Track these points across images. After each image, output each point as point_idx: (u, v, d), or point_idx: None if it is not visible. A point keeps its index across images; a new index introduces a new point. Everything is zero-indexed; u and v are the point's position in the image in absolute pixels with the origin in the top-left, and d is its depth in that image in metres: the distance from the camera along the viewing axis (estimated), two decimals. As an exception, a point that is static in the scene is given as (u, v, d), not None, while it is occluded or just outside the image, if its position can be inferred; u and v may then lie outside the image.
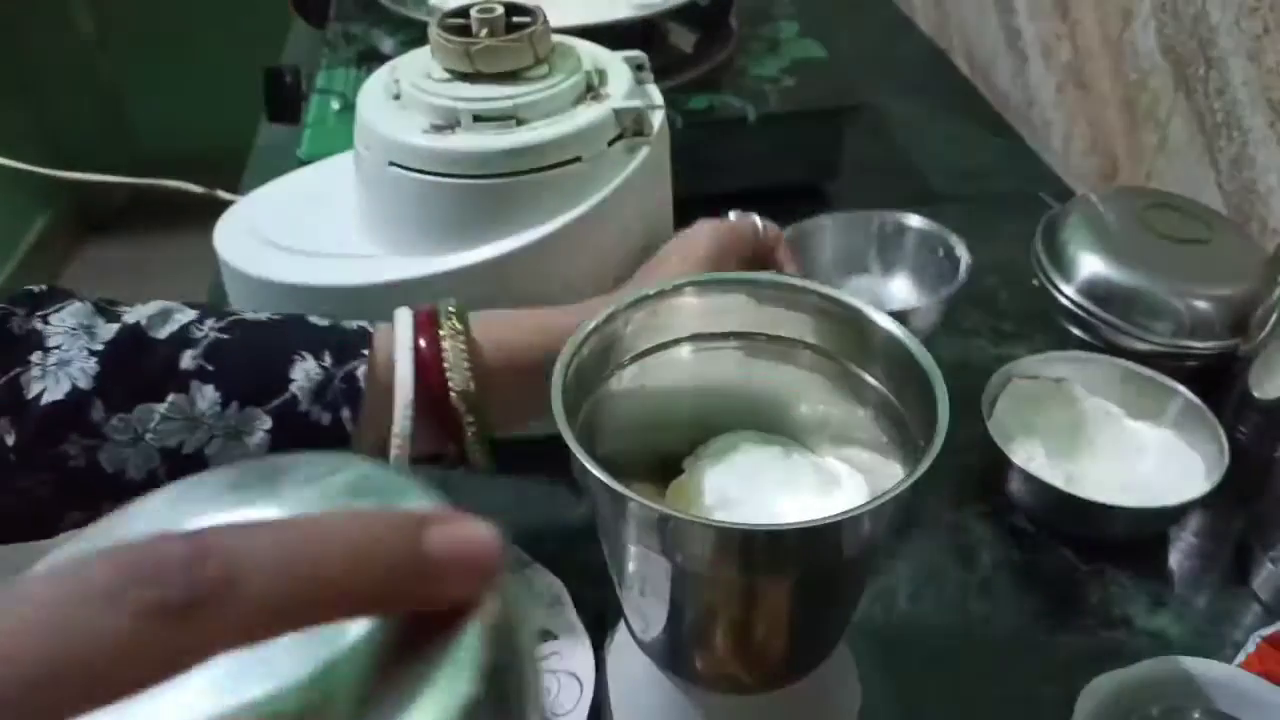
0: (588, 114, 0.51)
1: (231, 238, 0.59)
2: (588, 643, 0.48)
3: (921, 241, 0.68)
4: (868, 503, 0.34)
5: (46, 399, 0.40)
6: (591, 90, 0.53)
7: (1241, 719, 0.43)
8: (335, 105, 0.78)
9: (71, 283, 0.53)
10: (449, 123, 0.51)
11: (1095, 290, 0.62)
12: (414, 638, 0.17)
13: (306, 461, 0.20)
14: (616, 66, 0.55)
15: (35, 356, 0.40)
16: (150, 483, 0.41)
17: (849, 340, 0.42)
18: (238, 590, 0.15)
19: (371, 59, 0.84)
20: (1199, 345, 0.60)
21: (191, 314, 0.43)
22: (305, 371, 0.42)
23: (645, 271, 0.51)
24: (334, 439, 0.42)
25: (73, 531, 0.39)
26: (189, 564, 0.15)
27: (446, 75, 0.52)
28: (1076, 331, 0.64)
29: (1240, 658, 0.47)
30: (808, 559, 0.35)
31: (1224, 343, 0.60)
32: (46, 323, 0.41)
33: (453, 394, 0.43)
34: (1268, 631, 0.46)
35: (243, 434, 0.41)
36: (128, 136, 2.20)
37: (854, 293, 0.42)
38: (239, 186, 0.79)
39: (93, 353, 0.41)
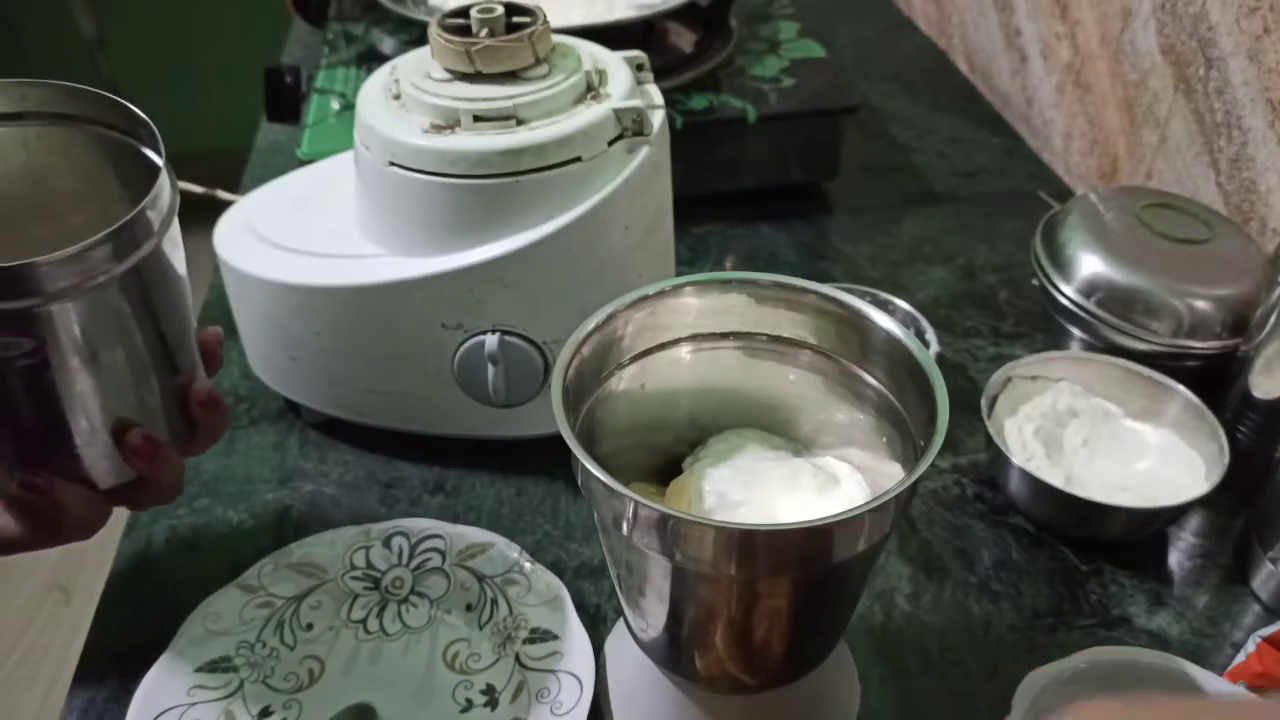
0: (588, 114, 0.51)
1: (231, 238, 0.59)
2: (588, 643, 0.48)
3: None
4: (868, 503, 0.34)
5: None
6: (591, 90, 0.53)
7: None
8: (335, 105, 0.78)
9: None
10: (449, 123, 0.51)
11: (1095, 290, 0.62)
12: None
13: None
14: (616, 66, 0.55)
15: None
16: None
17: (849, 340, 0.42)
18: None
19: (371, 59, 0.84)
20: (1199, 345, 0.60)
21: None
22: None
23: None
24: None
25: None
26: None
27: (446, 75, 0.52)
28: (1076, 331, 0.64)
29: (1240, 658, 0.47)
30: (808, 559, 0.35)
31: (1224, 343, 0.60)
32: None
33: None
34: (1268, 631, 0.46)
35: None
36: (128, 136, 2.20)
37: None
38: (239, 186, 0.79)
39: None
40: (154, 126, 0.40)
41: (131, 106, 0.41)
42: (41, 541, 0.41)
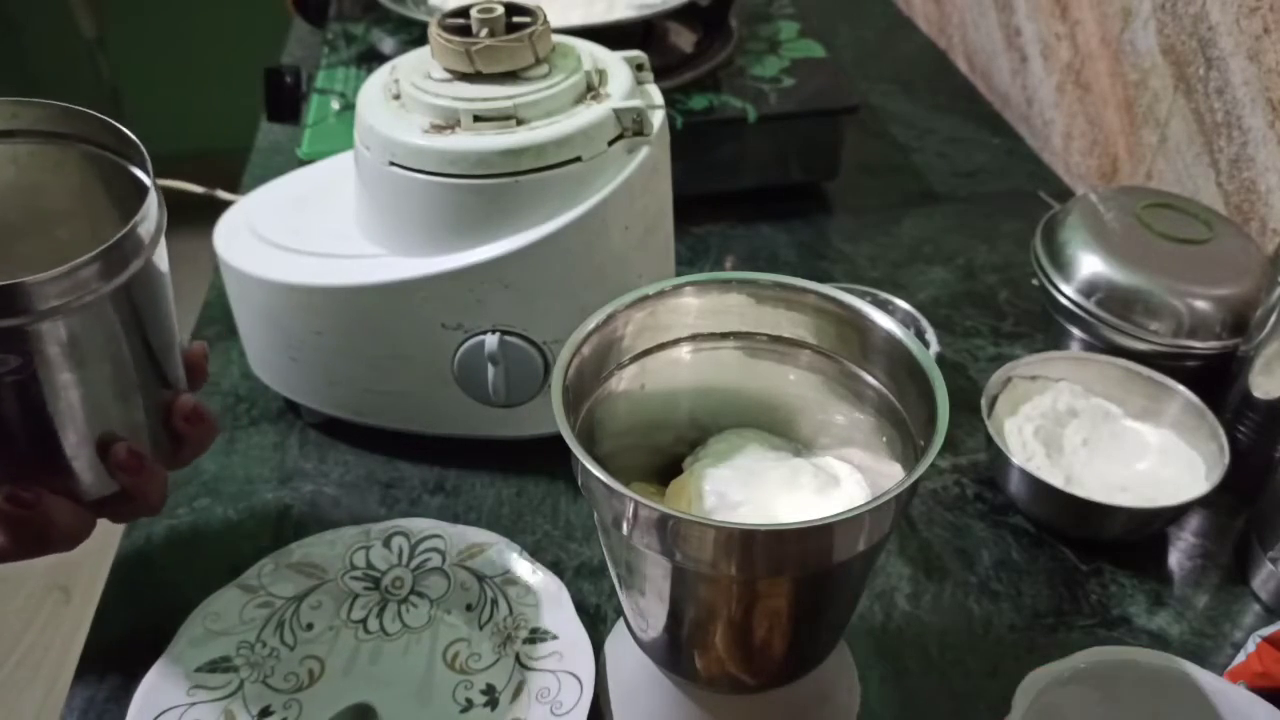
0: (588, 114, 0.51)
1: (231, 238, 0.59)
2: (588, 643, 0.48)
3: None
4: (868, 503, 0.34)
5: None
6: (591, 90, 0.53)
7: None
8: (335, 105, 0.78)
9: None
10: (449, 123, 0.51)
11: (1095, 290, 0.62)
12: None
13: None
14: (616, 66, 0.55)
15: None
16: None
17: (849, 340, 0.42)
18: None
19: (371, 59, 0.84)
20: (1199, 345, 0.60)
21: None
22: None
23: None
24: None
25: None
26: None
27: (446, 75, 0.52)
28: (1076, 331, 0.64)
29: (1240, 658, 0.47)
30: (808, 559, 0.35)
31: (1224, 343, 0.60)
32: None
33: None
34: (1268, 631, 0.46)
35: None
36: (127, 136, 2.19)
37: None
38: (239, 186, 0.79)
39: None
40: (143, 149, 0.41)
41: (122, 128, 0.41)
42: (26, 553, 0.41)
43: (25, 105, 0.42)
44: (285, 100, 0.81)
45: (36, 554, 0.42)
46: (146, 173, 0.41)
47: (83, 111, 0.42)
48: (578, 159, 0.51)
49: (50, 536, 0.41)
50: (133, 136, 0.41)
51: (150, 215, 0.39)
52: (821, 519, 0.33)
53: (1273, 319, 0.54)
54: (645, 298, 0.42)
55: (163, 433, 0.44)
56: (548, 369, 0.55)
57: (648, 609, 0.40)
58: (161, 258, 0.41)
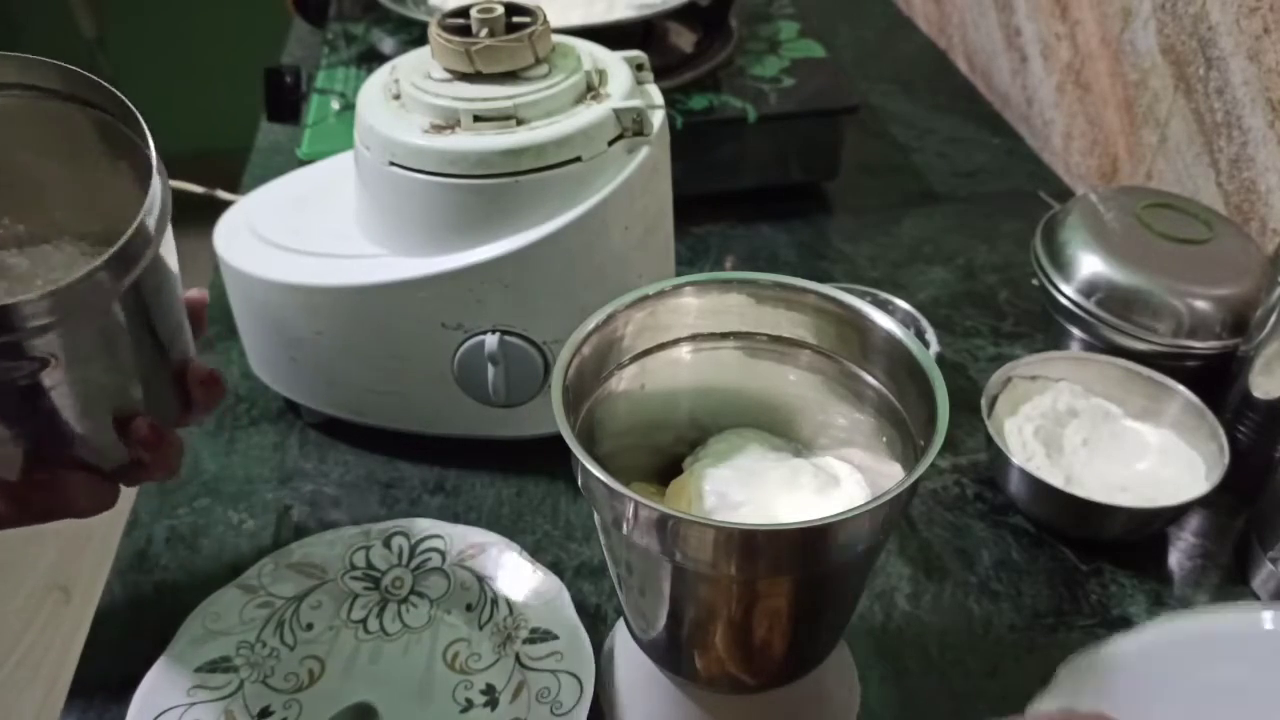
0: (588, 114, 0.51)
1: (231, 237, 0.59)
2: (588, 643, 0.48)
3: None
4: (868, 503, 0.34)
5: None
6: (591, 90, 0.53)
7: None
8: (335, 105, 0.78)
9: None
10: (449, 123, 0.51)
11: (1095, 290, 0.62)
12: None
13: None
14: (616, 66, 0.55)
15: None
16: None
17: (849, 340, 0.42)
18: None
19: (371, 59, 0.84)
20: (1199, 345, 0.60)
21: None
22: None
23: None
24: None
25: None
26: None
27: (446, 75, 0.52)
28: (1076, 331, 0.64)
29: (1240, 658, 0.47)
30: (808, 559, 0.35)
31: (1224, 343, 0.60)
32: None
33: None
34: (1268, 631, 0.46)
35: None
36: (127, 136, 2.19)
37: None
38: (239, 186, 0.79)
39: None
40: (138, 113, 0.39)
41: (117, 92, 0.40)
42: (38, 520, 0.43)
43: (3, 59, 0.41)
44: (285, 100, 0.81)
45: (53, 519, 0.43)
46: (145, 143, 0.39)
47: (72, 70, 0.40)
48: (578, 159, 0.51)
49: (70, 511, 0.42)
50: (123, 98, 0.39)
51: (155, 206, 0.38)
52: (821, 519, 0.33)
53: (1273, 319, 0.54)
54: (645, 298, 0.42)
55: (174, 399, 0.45)
56: (548, 369, 0.55)
57: (648, 609, 0.40)
58: (169, 247, 0.40)
